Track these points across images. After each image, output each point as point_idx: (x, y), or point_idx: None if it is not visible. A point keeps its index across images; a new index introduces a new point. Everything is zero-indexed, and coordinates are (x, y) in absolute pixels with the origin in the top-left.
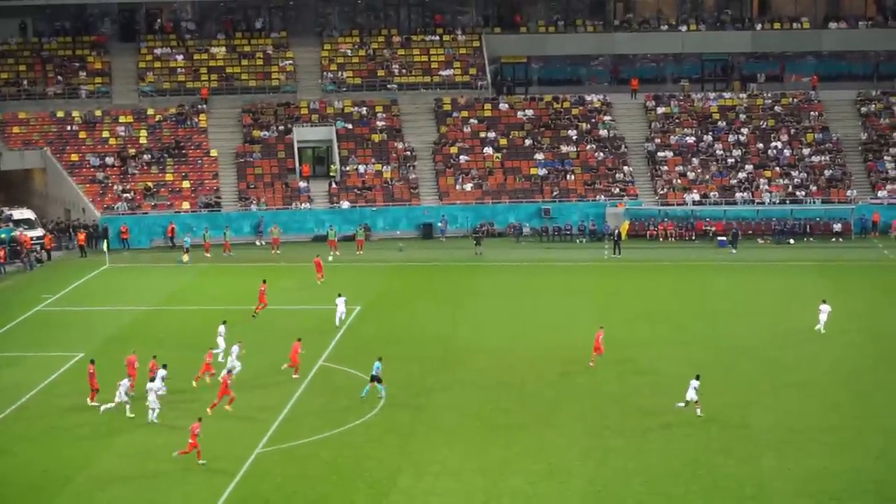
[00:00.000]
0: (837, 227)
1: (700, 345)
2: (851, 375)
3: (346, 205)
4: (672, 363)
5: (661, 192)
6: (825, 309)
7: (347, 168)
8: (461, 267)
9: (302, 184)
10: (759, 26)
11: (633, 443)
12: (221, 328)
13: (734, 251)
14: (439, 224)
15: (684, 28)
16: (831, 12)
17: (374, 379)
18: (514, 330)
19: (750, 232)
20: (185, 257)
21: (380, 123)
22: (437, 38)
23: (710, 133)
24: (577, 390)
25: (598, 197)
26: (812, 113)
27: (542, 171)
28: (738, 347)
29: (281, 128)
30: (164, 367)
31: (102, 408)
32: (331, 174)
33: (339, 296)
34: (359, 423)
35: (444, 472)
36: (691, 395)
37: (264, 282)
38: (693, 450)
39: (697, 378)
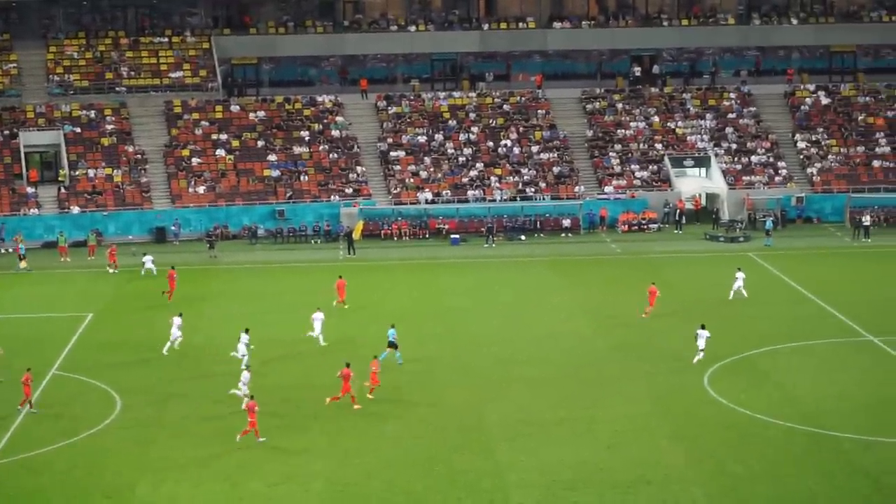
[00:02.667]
0: (567, 222)
1: (435, 342)
2: (581, 368)
3: (76, 210)
4: (407, 361)
5: (395, 192)
6: (740, 276)
7: (77, 173)
8: (196, 271)
9: (30, 189)
10: (486, 26)
11: (370, 442)
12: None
13: (493, 245)
14: (172, 227)
15: (413, 28)
16: (555, 13)
17: (391, 345)
18: (252, 333)
19: (482, 229)
20: (23, 263)
21: (109, 127)
22: (166, 39)
23: (441, 132)
24: (314, 392)
25: (332, 197)
26: (539, 111)
27: (275, 173)
28: (472, 343)
29: (6, 132)
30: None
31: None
32: (60, 179)
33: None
34: (94, 431)
35: (183, 478)
36: (702, 343)
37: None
38: (430, 446)
39: (704, 327)
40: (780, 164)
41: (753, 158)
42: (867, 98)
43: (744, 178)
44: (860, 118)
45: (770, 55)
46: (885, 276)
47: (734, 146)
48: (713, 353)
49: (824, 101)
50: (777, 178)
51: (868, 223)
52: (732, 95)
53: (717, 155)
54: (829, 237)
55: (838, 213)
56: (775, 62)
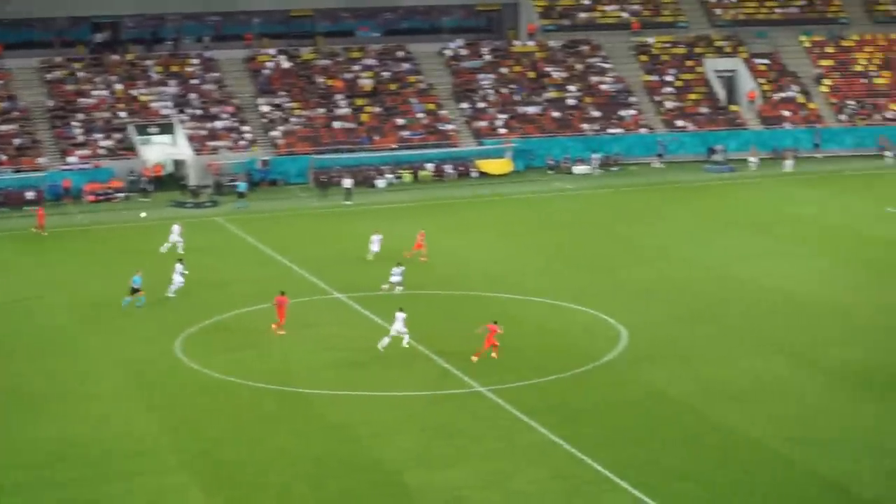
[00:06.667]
0: (31, 195)
1: None
2: (57, 343)
3: None
4: None
5: None
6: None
7: None
8: None
9: None
10: None
11: None
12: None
13: None
14: None
15: None
16: None
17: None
18: None
19: None
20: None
21: None
22: None
23: None
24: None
25: None
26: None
27: None
28: None
29: None
30: None
31: None
32: None
33: None
34: None
35: None
36: (398, 326)
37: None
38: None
39: (402, 310)
40: (245, 128)
41: (218, 124)
42: (326, 61)
43: (209, 143)
44: (321, 81)
45: (230, 20)
46: (349, 235)
47: (198, 112)
48: (186, 319)
49: (285, 64)
50: (242, 143)
51: (350, 186)
52: (195, 61)
53: (181, 121)
54: (295, 199)
55: (302, 174)
56: (236, 27)
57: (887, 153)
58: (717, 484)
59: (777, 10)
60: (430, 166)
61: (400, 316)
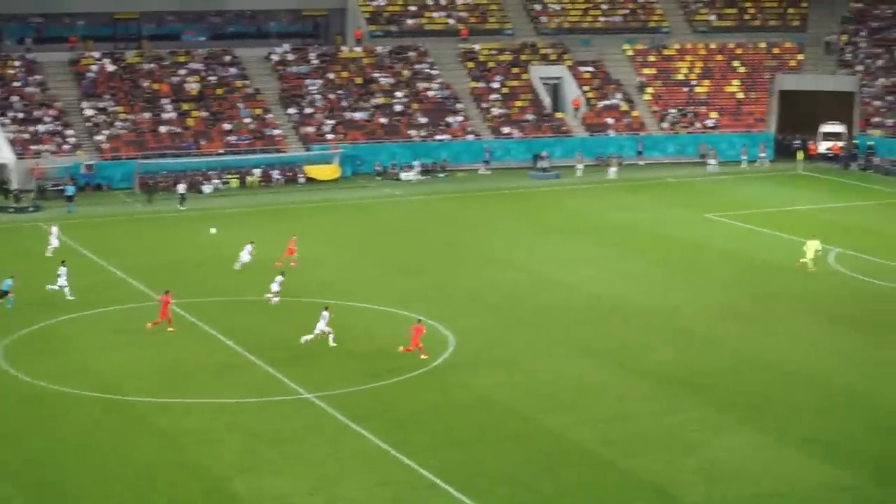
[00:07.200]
0: None
1: None
2: None
3: None
4: None
5: None
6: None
7: None
8: None
9: None
10: None
11: None
12: None
13: None
14: None
15: None
16: None
17: None
18: None
19: None
20: None
21: None
22: None
23: None
24: None
25: None
26: None
27: None
28: None
29: None
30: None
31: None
32: None
33: None
34: None
35: None
36: (322, 325)
37: None
38: None
39: (327, 308)
40: (69, 132)
41: (41, 127)
42: (152, 64)
43: (32, 147)
44: (146, 84)
45: (54, 22)
46: (178, 242)
47: (21, 115)
48: (7, 327)
49: (110, 68)
50: (66, 147)
51: (184, 191)
52: (17, 63)
53: (3, 124)
54: (120, 204)
55: (128, 179)
56: (59, 29)
57: (710, 161)
58: (543, 488)
59: (601, 19)
60: (257, 171)
61: (325, 315)
